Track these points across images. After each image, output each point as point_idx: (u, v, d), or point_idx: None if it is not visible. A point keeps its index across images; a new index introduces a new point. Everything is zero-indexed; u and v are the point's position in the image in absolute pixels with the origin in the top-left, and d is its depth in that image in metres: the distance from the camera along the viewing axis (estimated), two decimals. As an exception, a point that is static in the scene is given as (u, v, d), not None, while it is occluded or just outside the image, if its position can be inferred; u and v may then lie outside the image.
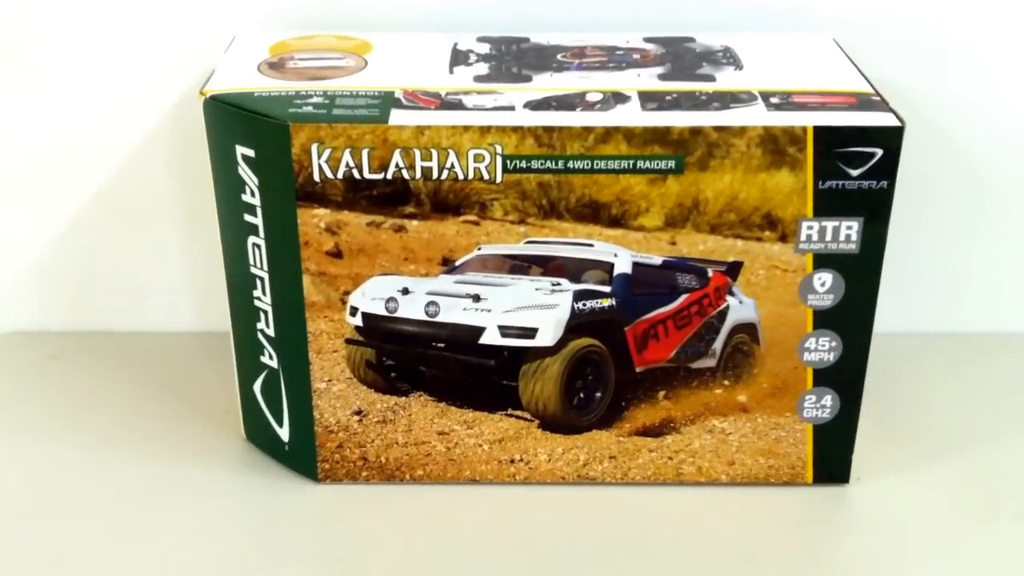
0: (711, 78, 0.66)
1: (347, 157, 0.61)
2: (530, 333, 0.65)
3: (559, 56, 0.69)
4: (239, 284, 0.68)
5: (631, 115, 0.61)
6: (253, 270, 0.66)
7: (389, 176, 0.62)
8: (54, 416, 0.76)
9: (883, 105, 0.62)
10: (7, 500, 0.69)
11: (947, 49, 0.77)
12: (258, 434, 0.73)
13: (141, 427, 0.75)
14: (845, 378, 0.67)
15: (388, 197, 0.62)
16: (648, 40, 0.72)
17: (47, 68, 0.77)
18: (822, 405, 0.67)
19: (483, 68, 0.67)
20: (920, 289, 0.84)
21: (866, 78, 0.66)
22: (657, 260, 0.64)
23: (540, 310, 0.65)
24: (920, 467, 0.72)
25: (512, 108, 0.62)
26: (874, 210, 0.62)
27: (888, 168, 0.61)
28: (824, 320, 0.65)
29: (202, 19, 0.76)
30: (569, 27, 0.75)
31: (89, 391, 0.79)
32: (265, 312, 0.67)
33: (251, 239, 0.65)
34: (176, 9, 0.76)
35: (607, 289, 0.65)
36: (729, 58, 0.69)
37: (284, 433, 0.70)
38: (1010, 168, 0.80)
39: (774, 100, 0.63)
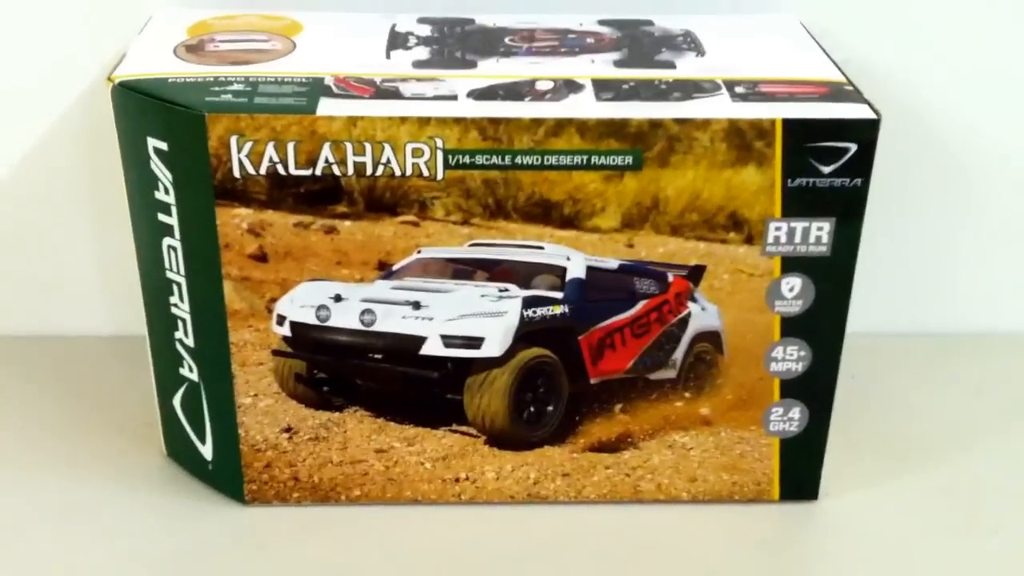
0: (671, 65, 0.61)
1: (271, 151, 0.55)
2: (476, 343, 0.60)
3: (507, 40, 0.64)
4: (154, 289, 0.62)
5: (585, 106, 0.56)
6: (169, 274, 0.60)
7: (318, 172, 0.56)
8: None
9: (857, 95, 0.57)
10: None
11: (922, 27, 0.72)
12: (179, 451, 0.67)
13: (50, 441, 0.70)
14: (814, 389, 0.62)
15: (317, 195, 0.57)
16: (603, 23, 0.67)
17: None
18: (789, 418, 0.63)
19: (423, 52, 0.62)
20: (891, 288, 0.80)
21: (837, 65, 0.61)
22: (613, 264, 0.59)
23: (486, 318, 0.59)
24: (892, 479, 0.68)
25: (455, 97, 0.56)
26: (847, 210, 0.57)
27: (863, 164, 0.56)
28: (792, 328, 0.60)
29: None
30: (517, 8, 0.69)
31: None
32: (183, 320, 0.61)
33: (166, 240, 0.59)
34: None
35: (559, 295, 0.60)
36: (690, 43, 0.64)
37: (207, 451, 0.65)
38: (990, 158, 0.76)
39: (739, 90, 0.58)
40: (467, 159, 0.56)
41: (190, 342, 0.62)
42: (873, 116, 0.56)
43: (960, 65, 0.74)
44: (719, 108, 0.56)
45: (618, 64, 0.61)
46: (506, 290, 0.59)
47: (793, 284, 0.59)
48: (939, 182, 0.77)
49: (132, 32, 0.64)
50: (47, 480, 0.66)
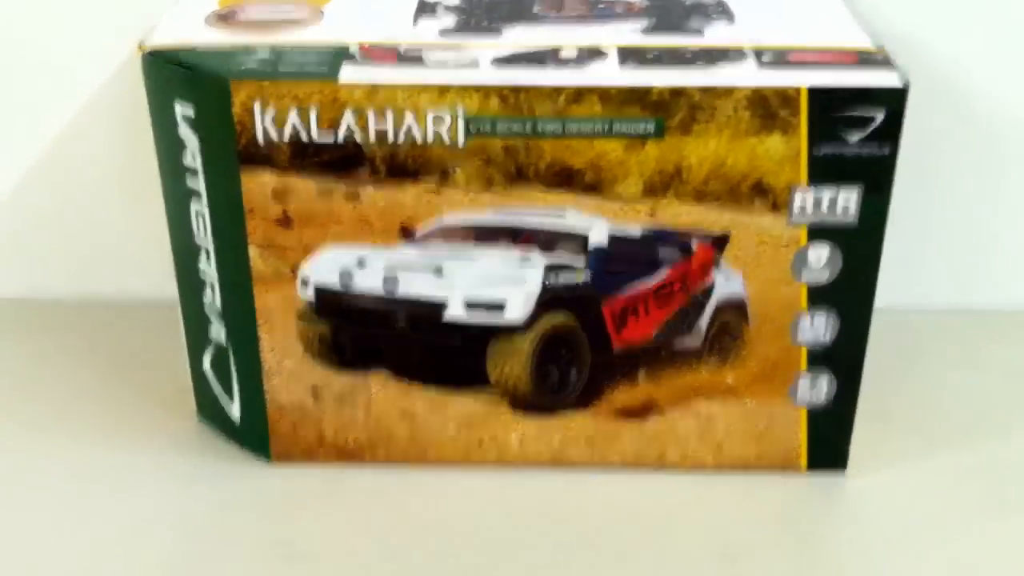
0: (699, 32, 0.60)
1: (293, 117, 0.56)
2: (498, 308, 0.60)
3: (535, 8, 0.63)
4: (183, 254, 0.63)
5: (607, 73, 0.55)
6: (197, 239, 0.61)
7: (340, 139, 0.56)
8: (-3, 390, 0.72)
9: (886, 63, 0.56)
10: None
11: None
12: (209, 412, 0.68)
13: (91, 402, 0.71)
14: (842, 360, 0.61)
15: (339, 162, 0.57)
16: (634, -11, 0.66)
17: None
18: (817, 388, 0.62)
19: (451, 20, 0.61)
20: (926, 261, 0.78)
21: (870, 34, 0.60)
22: (636, 231, 0.58)
23: (508, 284, 0.59)
24: (924, 455, 0.67)
25: (477, 65, 0.56)
26: (874, 178, 0.56)
27: (890, 132, 0.55)
28: (819, 297, 0.59)
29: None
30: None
31: (37, 364, 0.75)
32: (211, 284, 0.62)
33: (194, 206, 0.60)
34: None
35: (581, 262, 0.59)
36: (721, 10, 0.63)
37: (235, 411, 0.66)
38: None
39: (766, 58, 0.57)
40: (488, 127, 0.56)
41: (218, 306, 0.63)
42: (900, 84, 0.54)
43: (1003, 36, 0.72)
44: (743, 76, 0.55)
45: (645, 32, 0.60)
46: (528, 257, 0.59)
47: (820, 254, 0.59)
48: (979, 155, 0.75)
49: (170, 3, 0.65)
50: (88, 439, 0.68)
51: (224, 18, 0.61)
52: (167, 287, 0.65)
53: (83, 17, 0.72)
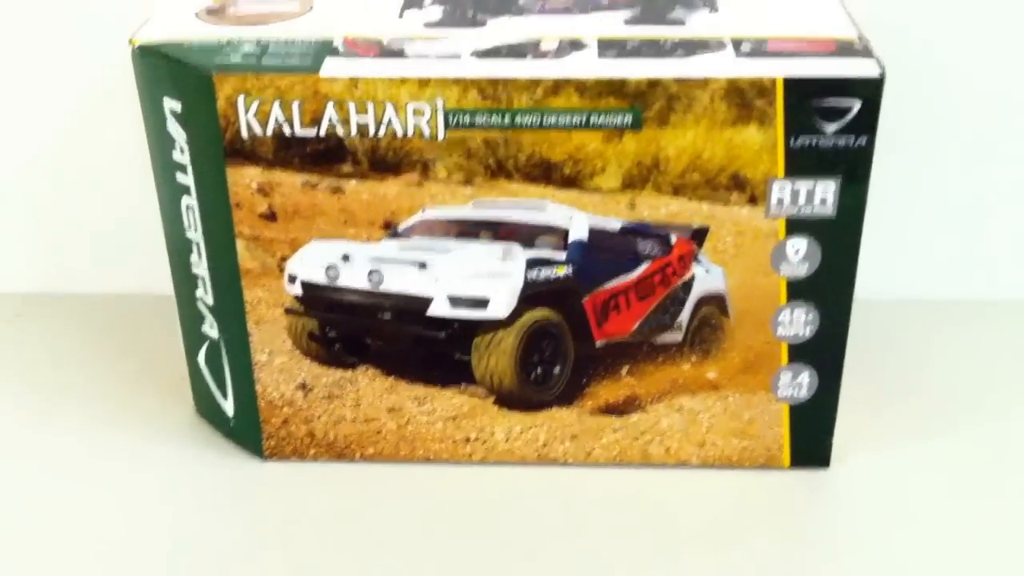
0: (680, 22, 0.60)
1: (276, 111, 0.57)
2: (482, 303, 0.60)
3: (521, 0, 0.64)
4: (177, 249, 0.64)
5: (584, 65, 0.56)
6: (188, 234, 0.62)
7: (322, 132, 0.57)
8: (6, 380, 0.74)
9: (864, 52, 0.56)
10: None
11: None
12: (205, 407, 0.69)
13: (95, 395, 0.72)
14: (823, 354, 0.61)
15: (322, 155, 0.58)
16: (622, -18, 0.67)
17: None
18: (798, 383, 0.62)
19: (436, 12, 0.62)
20: (905, 252, 0.78)
21: (854, 23, 0.60)
22: (616, 225, 0.59)
23: (491, 279, 0.60)
24: (905, 447, 0.67)
25: (457, 57, 0.57)
26: (852, 170, 0.57)
27: (867, 123, 0.55)
28: (799, 291, 0.60)
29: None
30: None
31: (47, 356, 0.76)
32: (203, 279, 0.63)
33: (184, 200, 0.61)
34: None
35: (562, 256, 0.60)
36: (705, 0, 0.63)
37: (229, 407, 0.67)
38: (1014, 118, 0.74)
39: (745, 48, 0.57)
40: (467, 119, 0.56)
41: (210, 300, 0.64)
42: (877, 73, 0.55)
43: (995, 26, 0.72)
44: (720, 66, 0.56)
45: (628, 22, 0.61)
46: (510, 251, 0.60)
47: (799, 246, 0.59)
48: (959, 144, 0.75)
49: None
50: (88, 431, 0.69)
51: (215, 12, 0.63)
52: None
53: (100, 10, 0.73)
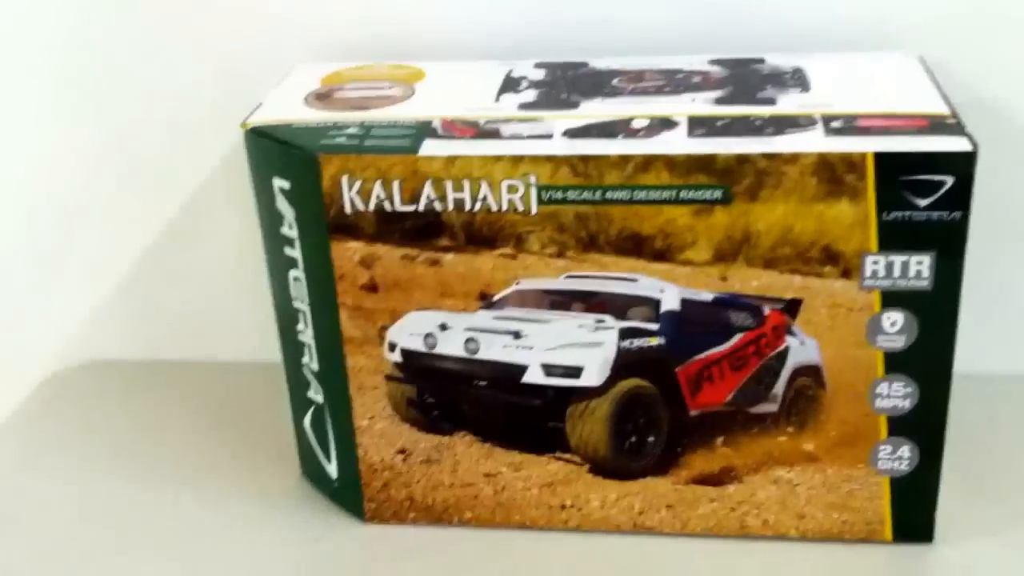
0: (771, 101, 0.61)
1: (378, 189, 0.59)
2: (575, 372, 0.62)
3: (615, 81, 0.66)
4: (285, 318, 0.67)
5: (674, 142, 0.57)
6: (296, 304, 0.65)
7: (421, 208, 0.59)
8: (119, 445, 0.77)
9: (957, 128, 0.56)
10: (60, 530, 0.70)
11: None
12: (311, 470, 0.71)
13: (205, 459, 0.75)
14: (924, 427, 0.60)
15: (421, 229, 0.60)
16: (714, 62, 0.68)
17: (112, 96, 0.78)
18: (899, 456, 0.61)
19: (531, 95, 0.65)
20: (1005, 325, 0.76)
21: (946, 99, 0.60)
22: (708, 296, 0.60)
23: (585, 348, 0.61)
24: (1013, 525, 0.64)
25: (550, 136, 0.59)
26: (947, 243, 0.56)
27: (960, 197, 0.55)
28: (896, 364, 0.59)
29: (263, 50, 0.75)
30: (636, 51, 0.71)
31: (157, 422, 0.80)
32: (309, 347, 0.66)
33: (292, 272, 0.64)
34: (243, 37, 0.75)
35: (655, 327, 0.61)
36: (797, 80, 0.64)
37: (332, 470, 0.69)
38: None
39: (835, 124, 0.58)
40: (559, 195, 0.58)
41: (315, 367, 0.66)
42: (969, 148, 0.54)
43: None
44: (809, 143, 0.56)
45: (719, 101, 0.62)
46: (602, 321, 0.61)
47: (895, 319, 0.58)
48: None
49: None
50: (198, 493, 0.72)
51: (322, 97, 0.66)
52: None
53: (205, 90, 0.78)
